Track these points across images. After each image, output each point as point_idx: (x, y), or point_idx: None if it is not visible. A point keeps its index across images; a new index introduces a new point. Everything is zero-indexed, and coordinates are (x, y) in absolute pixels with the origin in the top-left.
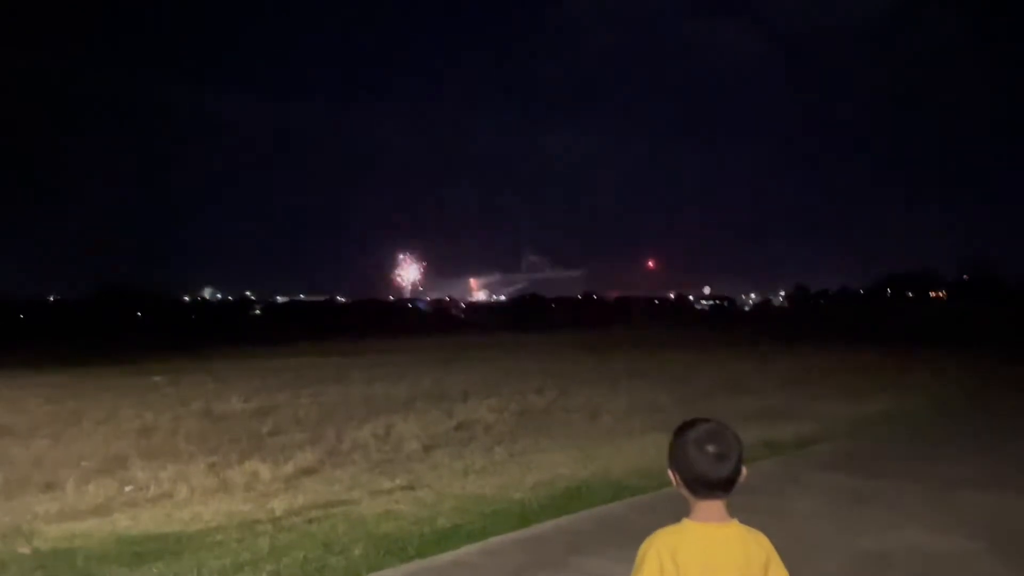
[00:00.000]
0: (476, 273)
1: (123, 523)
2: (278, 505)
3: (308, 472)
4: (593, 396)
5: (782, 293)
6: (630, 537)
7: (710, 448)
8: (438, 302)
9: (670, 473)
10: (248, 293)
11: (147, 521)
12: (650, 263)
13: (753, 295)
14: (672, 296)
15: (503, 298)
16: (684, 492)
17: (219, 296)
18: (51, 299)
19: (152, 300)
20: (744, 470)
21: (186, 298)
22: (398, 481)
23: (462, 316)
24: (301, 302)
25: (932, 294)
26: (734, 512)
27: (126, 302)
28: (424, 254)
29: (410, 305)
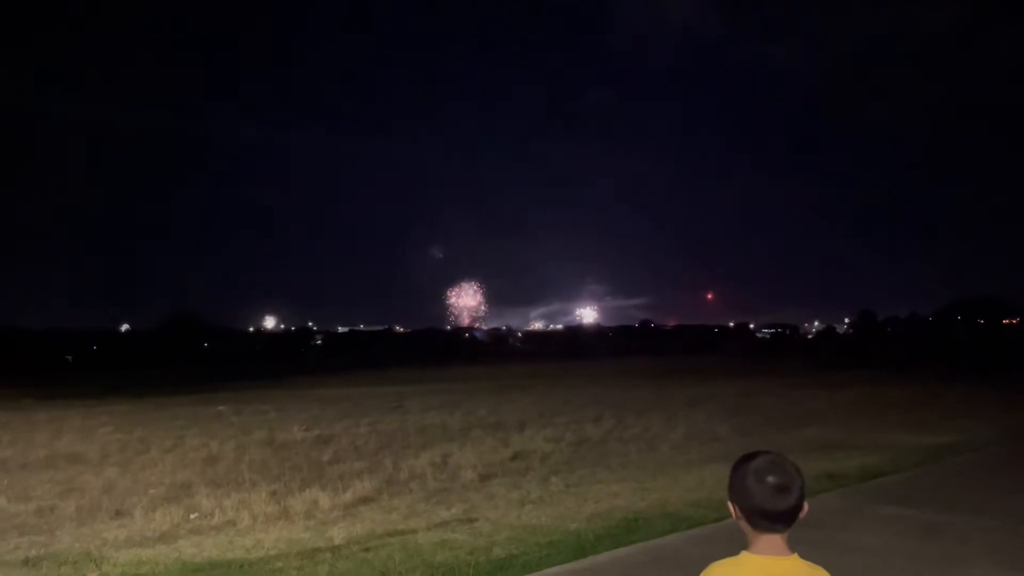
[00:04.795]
0: (534, 302)
1: (188, 550)
2: (337, 533)
3: (366, 501)
4: (650, 426)
5: (846, 320)
6: (686, 570)
7: (770, 479)
8: (495, 331)
9: (729, 505)
10: (310, 324)
11: (211, 548)
12: (709, 295)
13: (816, 322)
14: (732, 324)
15: (560, 327)
16: (743, 525)
17: (282, 327)
18: (122, 330)
19: (218, 331)
20: (806, 504)
21: (251, 328)
22: (454, 511)
23: (519, 345)
24: (361, 332)
25: (1005, 321)
26: (794, 546)
27: (193, 333)
28: (483, 283)
29: (467, 335)
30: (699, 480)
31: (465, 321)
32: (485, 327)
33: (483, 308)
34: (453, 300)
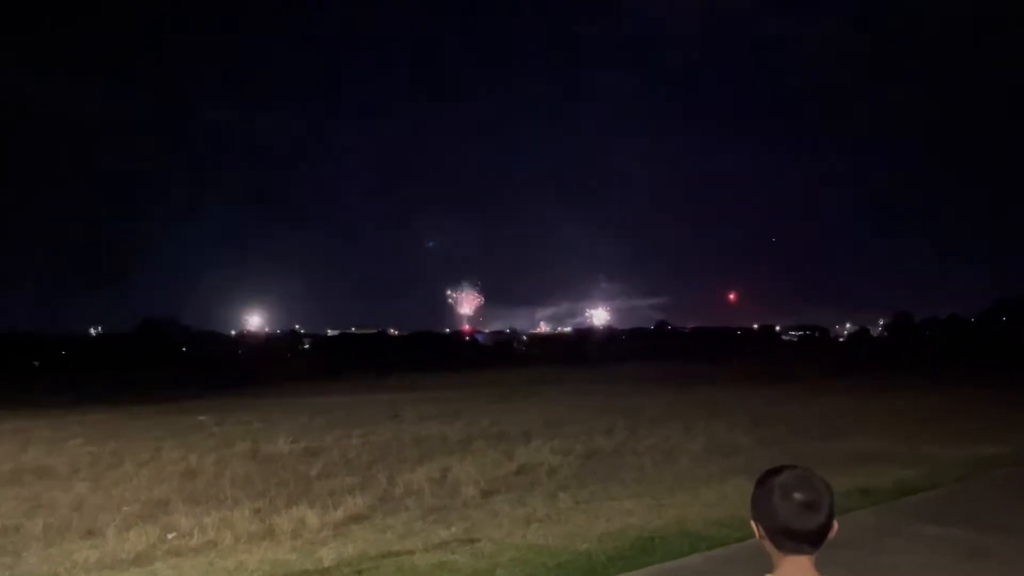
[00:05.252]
0: (541, 302)
1: (165, 572)
2: (327, 554)
3: (358, 519)
4: (667, 437)
5: (881, 322)
6: None
7: (797, 496)
8: (498, 334)
9: (752, 524)
10: (297, 327)
11: (190, 570)
12: (731, 295)
13: (848, 324)
14: (756, 326)
15: (569, 329)
16: (767, 545)
17: (266, 330)
18: (93, 333)
19: (197, 334)
20: (835, 522)
21: (232, 332)
22: (454, 530)
23: (524, 349)
24: (352, 335)
25: None
26: (823, 568)
27: (170, 337)
28: (484, 282)
29: (468, 338)
30: (720, 496)
31: (465, 323)
32: (487, 329)
33: (483, 308)
34: (452, 301)
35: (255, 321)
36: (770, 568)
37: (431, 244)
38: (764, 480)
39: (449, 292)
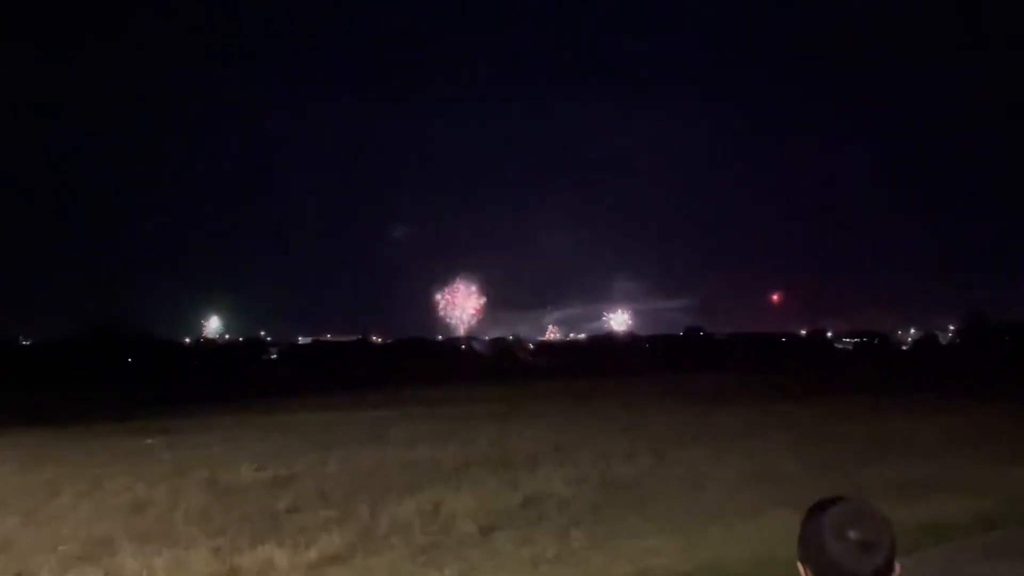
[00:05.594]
0: (549, 304)
1: None
2: None
3: (335, 560)
4: (697, 461)
5: (951, 327)
6: None
7: (852, 535)
8: (500, 342)
9: (800, 566)
10: (262, 333)
11: None
12: (774, 296)
13: (913, 330)
14: (804, 332)
15: (583, 336)
16: None
17: (227, 336)
18: (24, 343)
19: (145, 342)
20: (898, 564)
21: (187, 340)
22: (448, 572)
23: (529, 359)
24: (327, 343)
25: None
26: None
27: (114, 345)
28: (483, 281)
29: (464, 346)
30: (760, 532)
31: (461, 329)
32: (486, 336)
33: (482, 311)
34: (446, 303)
35: (213, 326)
36: None
37: (398, 235)
38: (813, 515)
39: (439, 296)
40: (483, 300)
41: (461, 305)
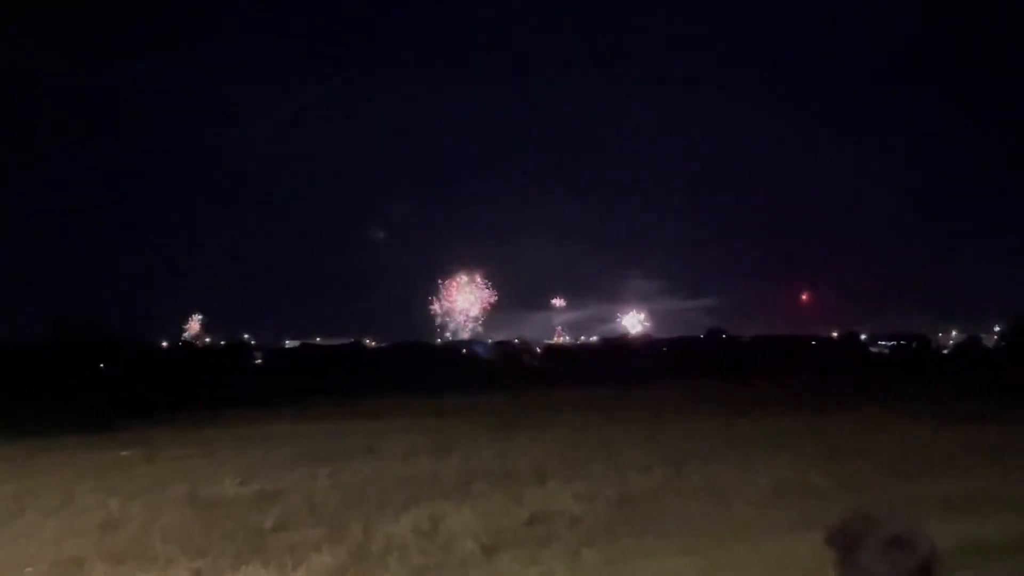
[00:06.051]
0: (558, 304)
1: None
2: None
3: None
4: (720, 475)
5: (997, 329)
6: None
7: (892, 555)
8: (504, 345)
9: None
10: (246, 336)
11: None
12: (804, 296)
13: (955, 332)
14: (835, 335)
15: (595, 339)
16: None
17: (207, 340)
18: None
19: (119, 346)
20: None
21: (164, 343)
22: None
23: (536, 363)
24: (317, 347)
25: None
26: None
27: (86, 349)
28: (486, 280)
29: (465, 350)
30: (789, 552)
31: (462, 332)
32: (490, 339)
33: (484, 312)
34: (444, 304)
35: (194, 329)
36: None
37: (381, 236)
38: (847, 534)
39: (440, 294)
40: (494, 296)
41: (463, 306)
